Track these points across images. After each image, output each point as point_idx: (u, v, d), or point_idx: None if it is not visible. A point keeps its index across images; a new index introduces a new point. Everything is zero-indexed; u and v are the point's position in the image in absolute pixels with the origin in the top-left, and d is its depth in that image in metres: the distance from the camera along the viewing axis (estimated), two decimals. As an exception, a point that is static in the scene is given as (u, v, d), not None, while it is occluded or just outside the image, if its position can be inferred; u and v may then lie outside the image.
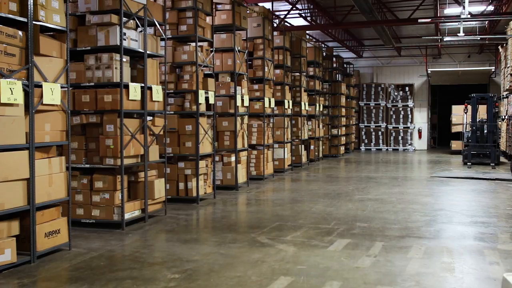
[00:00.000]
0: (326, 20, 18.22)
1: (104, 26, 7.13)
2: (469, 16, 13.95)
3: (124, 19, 7.18)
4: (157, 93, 7.79)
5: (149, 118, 7.87)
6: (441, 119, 27.12)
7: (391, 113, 24.60)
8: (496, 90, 22.57)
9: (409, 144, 24.29)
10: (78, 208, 7.19)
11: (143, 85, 7.50)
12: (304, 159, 16.37)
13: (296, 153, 15.81)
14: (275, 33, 14.15)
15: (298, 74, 15.87)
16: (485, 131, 16.41)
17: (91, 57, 7.19)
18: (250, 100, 12.51)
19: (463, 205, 9.05)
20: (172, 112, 9.28)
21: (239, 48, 10.97)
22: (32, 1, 5.38)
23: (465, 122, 17.84)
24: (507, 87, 17.18)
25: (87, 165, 7.24)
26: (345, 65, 23.44)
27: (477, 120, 16.80)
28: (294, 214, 8.22)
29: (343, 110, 21.63)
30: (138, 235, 6.83)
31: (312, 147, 17.60)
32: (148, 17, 7.71)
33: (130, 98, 7.19)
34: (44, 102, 5.58)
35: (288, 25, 18.05)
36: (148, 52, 7.64)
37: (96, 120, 7.25)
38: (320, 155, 18.75)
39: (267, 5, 14.88)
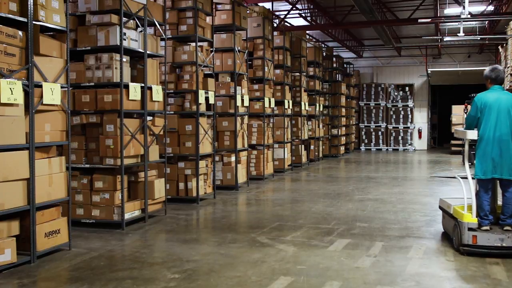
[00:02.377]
0: (326, 20, 18.22)
1: (104, 26, 7.13)
2: (469, 16, 13.95)
3: (124, 19, 7.18)
4: (157, 93, 7.79)
5: (149, 118, 7.87)
6: (441, 119, 27.10)
7: (391, 113, 24.60)
8: (496, 90, 22.53)
9: (409, 144, 24.29)
10: (78, 208, 7.19)
11: (143, 85, 7.50)
12: (304, 159, 16.37)
13: (296, 153, 15.81)
14: (275, 33, 14.15)
15: (298, 74, 15.87)
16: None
17: (91, 57, 7.18)
18: (250, 100, 12.51)
19: (463, 205, 9.04)
20: (172, 112, 9.28)
21: (239, 48, 10.97)
22: (32, 1, 5.38)
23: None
24: (507, 87, 17.17)
25: (87, 165, 7.24)
26: (345, 65, 23.43)
27: (477, 120, 16.75)
28: (294, 214, 8.22)
29: (343, 110, 21.63)
30: (138, 235, 6.83)
31: (312, 147, 17.60)
32: (148, 17, 7.71)
33: (130, 98, 7.19)
34: (44, 102, 5.58)
35: (288, 25, 18.05)
36: (148, 52, 7.64)
37: (96, 120, 7.25)
38: (320, 155, 18.75)
39: (267, 5, 14.89)
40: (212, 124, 10.00)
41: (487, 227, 5.64)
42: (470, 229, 5.62)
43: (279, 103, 14.18)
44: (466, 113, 17.70)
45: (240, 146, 11.11)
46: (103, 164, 7.16)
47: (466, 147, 6.05)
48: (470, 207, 5.77)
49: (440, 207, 6.81)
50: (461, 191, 6.18)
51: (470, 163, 6.04)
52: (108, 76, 7.08)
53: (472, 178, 5.88)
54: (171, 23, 9.33)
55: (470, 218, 5.68)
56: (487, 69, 6.13)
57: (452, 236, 6.09)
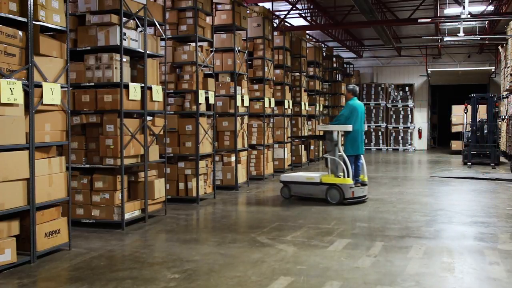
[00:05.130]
0: (326, 20, 18.22)
1: (104, 26, 7.13)
2: (469, 16, 13.94)
3: (124, 19, 7.18)
4: (157, 93, 7.79)
5: (149, 118, 7.87)
6: (441, 119, 27.10)
7: (391, 113, 24.59)
8: (496, 90, 22.56)
9: (409, 144, 24.28)
10: (78, 208, 7.19)
11: (143, 85, 7.50)
12: (304, 159, 16.37)
13: (296, 153, 15.81)
14: (275, 33, 14.14)
15: (298, 74, 15.87)
16: (485, 131, 16.40)
17: (91, 57, 7.18)
18: (250, 100, 12.50)
19: (463, 205, 9.05)
20: (172, 112, 9.28)
21: (239, 48, 10.97)
22: (32, 1, 5.38)
23: (465, 122, 17.84)
24: (507, 87, 17.18)
25: (87, 165, 7.24)
26: (345, 65, 23.42)
27: (477, 120, 16.79)
28: (294, 214, 8.22)
29: (343, 110, 21.58)
30: (138, 235, 6.83)
31: (312, 147, 17.60)
32: (148, 17, 7.71)
33: (130, 98, 7.19)
34: (44, 102, 5.58)
35: (288, 25, 18.05)
36: (148, 52, 7.64)
37: (96, 120, 7.25)
38: (320, 155, 18.74)
39: (267, 5, 14.89)
40: (212, 124, 9.99)
41: (355, 185, 9.02)
42: (350, 187, 8.85)
43: (279, 103, 14.18)
44: (466, 113, 17.77)
45: (240, 146, 11.11)
46: (103, 164, 7.16)
47: (340, 136, 9.18)
48: (327, 175, 9.17)
49: (289, 181, 9.66)
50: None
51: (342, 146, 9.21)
52: (108, 76, 7.08)
53: (347, 155, 9.01)
54: (171, 23, 9.33)
55: (349, 181, 8.88)
56: (350, 86, 9.93)
57: (324, 197, 9.05)
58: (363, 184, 9.29)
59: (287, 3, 16.36)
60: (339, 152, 9.02)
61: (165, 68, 8.51)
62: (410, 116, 24.38)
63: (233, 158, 10.90)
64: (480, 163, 16.15)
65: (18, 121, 5.25)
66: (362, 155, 9.37)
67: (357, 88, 9.94)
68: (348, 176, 8.91)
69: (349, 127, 9.13)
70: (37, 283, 4.91)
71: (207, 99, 9.60)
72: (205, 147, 9.49)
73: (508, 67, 16.78)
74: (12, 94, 5.09)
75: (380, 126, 24.63)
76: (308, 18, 17.96)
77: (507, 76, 17.18)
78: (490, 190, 10.77)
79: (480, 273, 5.09)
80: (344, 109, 9.46)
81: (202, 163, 9.37)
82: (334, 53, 21.93)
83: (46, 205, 5.70)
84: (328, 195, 9.00)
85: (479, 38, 18.36)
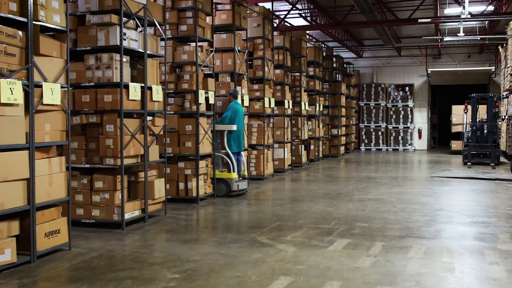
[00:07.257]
0: (326, 20, 18.22)
1: (104, 26, 7.13)
2: (469, 16, 13.95)
3: (124, 19, 7.18)
4: (157, 93, 7.79)
5: (149, 118, 7.87)
6: (441, 119, 27.10)
7: (391, 113, 24.59)
8: (496, 90, 22.56)
9: (409, 144, 24.28)
10: (78, 208, 7.19)
11: (143, 85, 7.50)
12: (304, 159, 16.36)
13: (296, 153, 15.80)
14: (275, 33, 14.14)
15: (298, 74, 15.86)
16: (485, 131, 16.40)
17: (91, 57, 7.18)
18: (250, 100, 12.50)
19: (463, 205, 9.05)
20: (172, 112, 9.28)
21: (239, 48, 10.96)
22: (32, 1, 5.38)
23: (465, 122, 17.84)
24: (507, 87, 17.19)
25: (87, 165, 7.24)
26: (345, 65, 23.42)
27: (477, 120, 16.79)
28: (294, 214, 8.22)
29: (343, 110, 21.61)
30: (138, 235, 6.83)
31: (312, 147, 17.59)
32: (148, 17, 7.71)
33: (130, 98, 7.19)
34: (44, 102, 5.58)
35: (288, 25, 18.05)
36: (148, 52, 7.64)
37: (96, 120, 7.25)
38: (320, 155, 18.74)
39: (267, 5, 14.88)
40: (212, 124, 10.00)
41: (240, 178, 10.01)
42: (236, 181, 9.79)
43: (279, 103, 14.17)
44: (466, 113, 17.78)
45: (240, 146, 11.10)
46: (103, 164, 7.16)
47: (225, 134, 9.99)
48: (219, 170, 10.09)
49: None
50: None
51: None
52: (108, 76, 7.08)
53: (232, 152, 9.96)
54: (171, 23, 9.33)
55: (235, 175, 9.84)
56: (231, 90, 10.45)
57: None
58: (244, 178, 10.20)
59: (287, 3, 16.36)
60: (223, 149, 10.00)
61: (165, 68, 8.51)
62: (410, 116, 24.38)
63: (233, 158, 10.89)
64: (480, 163, 16.15)
65: (18, 121, 5.25)
66: (242, 152, 10.34)
67: (237, 92, 10.58)
68: (233, 171, 9.87)
69: (234, 127, 10.01)
70: (37, 283, 4.91)
71: (207, 99, 9.60)
72: (205, 147, 9.49)
73: (508, 67, 16.78)
74: (12, 94, 5.09)
75: (380, 126, 24.63)
76: (308, 18, 17.96)
77: (507, 76, 17.18)
78: (490, 190, 10.78)
79: (480, 273, 5.09)
80: (227, 111, 10.23)
81: (202, 163, 9.37)
82: (334, 53, 21.92)
83: (46, 205, 5.70)
84: (216, 188, 9.80)
85: (479, 38, 18.37)
